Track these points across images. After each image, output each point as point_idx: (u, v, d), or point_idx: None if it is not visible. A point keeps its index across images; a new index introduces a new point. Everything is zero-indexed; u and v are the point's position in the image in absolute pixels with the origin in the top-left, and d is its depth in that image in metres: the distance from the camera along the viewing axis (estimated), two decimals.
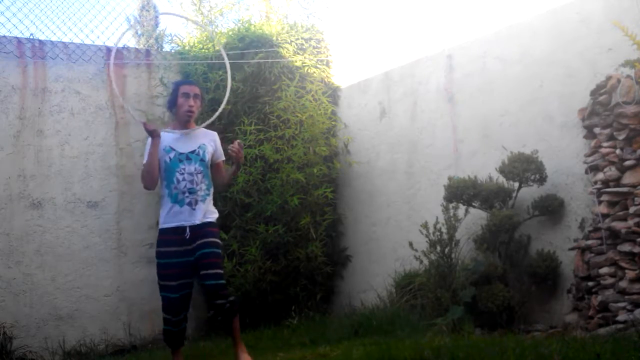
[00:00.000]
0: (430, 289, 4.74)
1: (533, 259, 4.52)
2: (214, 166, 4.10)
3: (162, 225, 3.91)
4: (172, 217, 3.87)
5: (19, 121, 5.90)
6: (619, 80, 4.06)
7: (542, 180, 4.54)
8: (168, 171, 3.90)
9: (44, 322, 5.74)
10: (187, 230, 3.85)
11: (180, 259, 3.84)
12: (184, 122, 4.04)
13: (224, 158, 4.16)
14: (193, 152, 3.94)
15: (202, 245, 3.86)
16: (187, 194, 3.87)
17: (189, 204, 3.87)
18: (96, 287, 6.01)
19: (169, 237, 3.87)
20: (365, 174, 6.29)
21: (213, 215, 4.00)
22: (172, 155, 3.92)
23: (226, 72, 6.19)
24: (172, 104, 4.05)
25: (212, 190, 4.02)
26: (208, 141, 4.05)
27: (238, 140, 4.00)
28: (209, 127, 4.25)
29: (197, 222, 3.88)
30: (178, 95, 3.99)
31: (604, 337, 3.44)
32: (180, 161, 3.91)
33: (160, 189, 4.01)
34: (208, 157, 4.00)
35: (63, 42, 6.23)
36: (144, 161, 3.98)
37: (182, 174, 3.89)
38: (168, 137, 3.98)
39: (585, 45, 4.46)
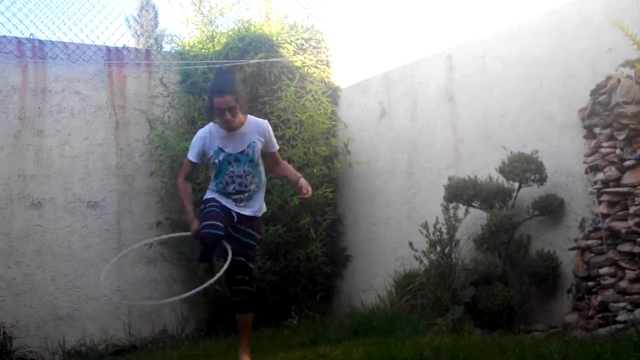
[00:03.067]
0: (430, 289, 4.74)
1: (533, 259, 4.52)
2: (268, 156, 4.04)
3: (212, 192, 3.90)
4: (222, 198, 3.86)
5: (19, 121, 5.90)
6: (619, 80, 4.06)
7: (542, 180, 4.54)
8: (217, 171, 3.88)
9: (44, 322, 5.74)
10: (235, 214, 3.84)
11: (224, 207, 3.81)
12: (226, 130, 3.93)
13: (277, 147, 4.08)
14: (242, 152, 3.85)
15: (246, 234, 3.86)
16: (235, 195, 3.87)
17: (235, 200, 3.87)
18: (96, 287, 6.00)
19: (218, 194, 3.87)
20: (365, 174, 6.29)
21: (261, 210, 3.98)
22: (221, 157, 3.84)
23: None
24: (210, 115, 3.97)
25: (263, 185, 3.98)
26: (257, 137, 3.93)
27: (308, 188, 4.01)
28: None
29: (245, 213, 3.88)
30: (213, 108, 3.84)
31: (604, 337, 3.45)
32: (229, 163, 3.83)
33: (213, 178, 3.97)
34: (257, 155, 3.92)
35: (63, 42, 6.24)
36: (190, 157, 3.93)
37: (232, 176, 3.84)
38: (217, 133, 3.88)
39: (585, 45, 4.46)
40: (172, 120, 6.30)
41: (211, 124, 3.95)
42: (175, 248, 6.28)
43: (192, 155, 3.91)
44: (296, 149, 6.00)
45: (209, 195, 3.92)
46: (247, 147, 3.87)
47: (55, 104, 6.08)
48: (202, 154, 3.89)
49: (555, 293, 4.56)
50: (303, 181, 4.02)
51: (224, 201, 3.87)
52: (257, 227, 3.95)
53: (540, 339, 3.64)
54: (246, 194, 3.87)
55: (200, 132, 3.94)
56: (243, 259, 3.83)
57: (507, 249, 4.67)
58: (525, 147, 4.68)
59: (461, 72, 5.38)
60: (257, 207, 3.93)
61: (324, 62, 6.67)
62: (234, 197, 3.87)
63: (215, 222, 3.71)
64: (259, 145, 3.92)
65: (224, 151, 3.85)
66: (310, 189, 4.00)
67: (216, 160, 3.85)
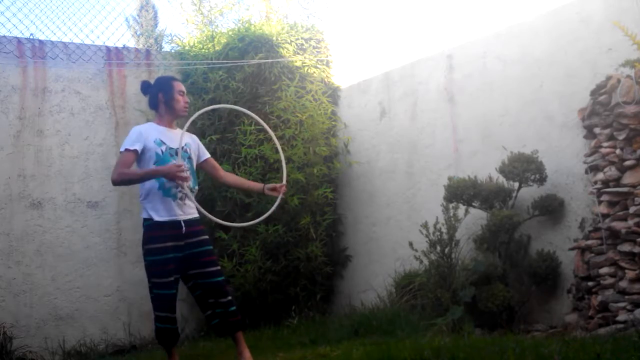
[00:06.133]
0: (430, 289, 4.74)
1: (533, 259, 4.52)
2: (207, 163, 4.18)
3: (156, 219, 3.81)
4: (166, 211, 3.83)
5: (19, 121, 5.91)
6: (619, 80, 4.06)
7: (542, 180, 4.54)
8: (160, 164, 3.83)
9: (44, 322, 5.74)
10: (183, 224, 3.85)
11: (175, 253, 3.82)
12: (176, 118, 4.06)
13: (209, 155, 4.22)
14: (181, 148, 3.92)
15: (199, 243, 3.90)
16: (178, 189, 3.86)
17: (181, 198, 3.88)
18: (96, 287, 6.01)
19: (164, 233, 3.80)
20: (365, 174, 6.29)
21: (196, 212, 4.01)
22: (163, 148, 3.87)
23: (226, 73, 6.22)
24: (170, 99, 3.98)
25: (196, 190, 4.04)
26: (191, 141, 4.08)
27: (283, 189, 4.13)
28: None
29: (189, 216, 3.92)
30: (174, 91, 3.99)
31: (604, 337, 3.45)
32: (171, 155, 3.87)
33: (146, 184, 3.85)
34: (194, 156, 4.06)
35: (63, 42, 6.24)
36: (137, 171, 3.84)
37: None
38: (153, 129, 3.94)
39: (585, 45, 4.46)
40: None
41: (147, 123, 4.03)
42: None
43: (130, 145, 3.81)
44: (296, 149, 6.00)
45: (153, 229, 3.80)
46: (185, 145, 3.97)
47: (55, 104, 6.08)
48: (143, 146, 3.83)
49: (555, 293, 4.56)
50: (272, 185, 4.16)
51: (171, 213, 3.82)
52: (202, 230, 3.99)
53: (540, 339, 3.65)
54: (186, 190, 3.89)
55: (137, 127, 3.95)
56: (213, 279, 3.87)
57: (507, 249, 4.67)
58: (525, 147, 4.68)
59: (461, 72, 5.38)
60: (192, 207, 3.96)
61: (324, 62, 6.68)
62: (179, 193, 3.85)
63: (172, 314, 3.84)
64: (194, 148, 4.06)
65: (165, 143, 3.90)
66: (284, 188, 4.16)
67: (159, 151, 3.86)
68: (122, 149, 3.85)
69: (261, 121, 4.38)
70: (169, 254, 3.80)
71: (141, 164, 3.88)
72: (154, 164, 3.84)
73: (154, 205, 3.83)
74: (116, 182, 3.86)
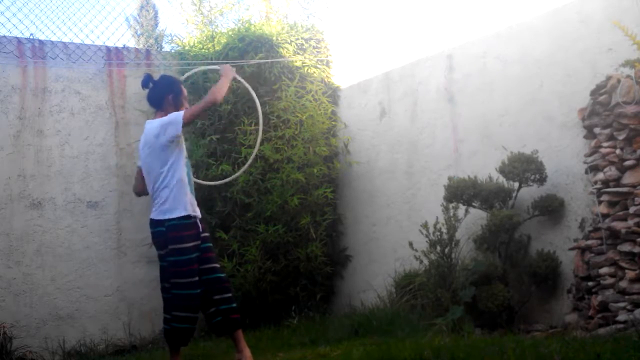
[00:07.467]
0: (430, 289, 4.74)
1: (533, 259, 4.52)
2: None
3: (189, 213, 3.77)
4: (194, 206, 3.85)
5: (19, 121, 5.91)
6: (619, 80, 4.06)
7: (542, 180, 4.55)
8: (185, 164, 3.89)
9: (44, 322, 5.75)
10: (199, 222, 3.88)
11: (197, 252, 3.82)
12: None
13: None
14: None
15: (205, 239, 3.94)
16: (193, 186, 3.96)
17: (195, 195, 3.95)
18: (96, 287, 6.01)
19: (192, 231, 3.79)
20: (365, 174, 6.29)
21: None
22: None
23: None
24: (180, 104, 3.97)
25: None
26: None
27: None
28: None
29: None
30: (182, 97, 4.00)
31: (604, 337, 3.45)
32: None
33: (177, 174, 3.80)
34: None
35: (63, 42, 6.24)
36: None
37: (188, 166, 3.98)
38: None
39: (585, 45, 4.46)
40: None
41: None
42: None
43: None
44: (296, 149, 6.00)
45: (188, 228, 3.77)
46: None
47: (55, 104, 6.08)
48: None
49: (555, 293, 4.55)
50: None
51: (197, 209, 3.88)
52: (205, 227, 4.02)
53: (540, 339, 3.65)
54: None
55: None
56: (218, 274, 3.89)
57: (507, 249, 4.67)
58: (525, 147, 4.68)
59: (461, 72, 5.37)
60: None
61: (324, 62, 6.67)
62: (193, 190, 3.93)
63: (195, 314, 3.77)
64: None
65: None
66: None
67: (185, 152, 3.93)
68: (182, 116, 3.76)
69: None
70: (193, 254, 3.78)
71: (179, 147, 3.82)
72: (185, 158, 3.88)
73: (186, 198, 3.79)
74: (188, 122, 3.79)
